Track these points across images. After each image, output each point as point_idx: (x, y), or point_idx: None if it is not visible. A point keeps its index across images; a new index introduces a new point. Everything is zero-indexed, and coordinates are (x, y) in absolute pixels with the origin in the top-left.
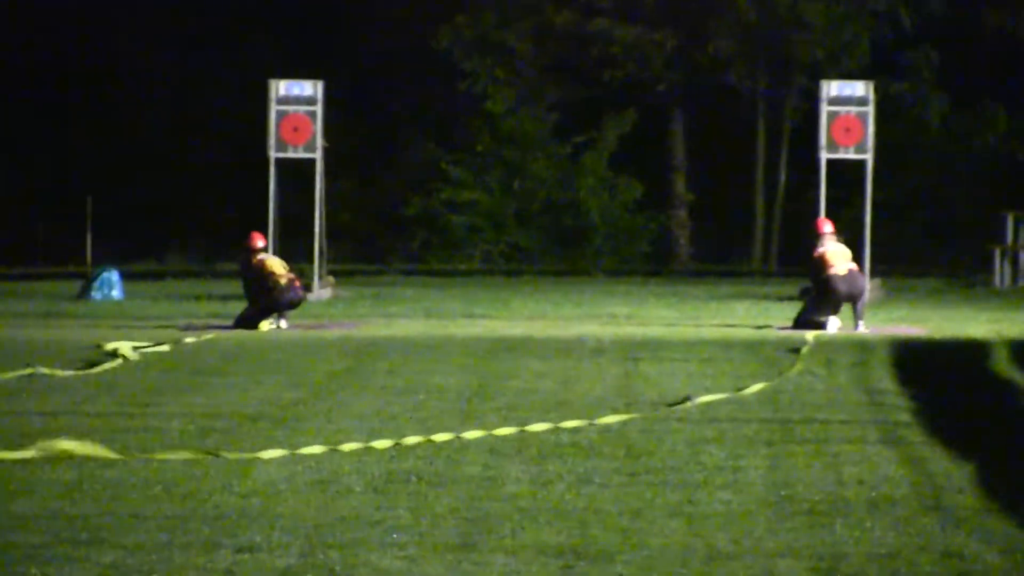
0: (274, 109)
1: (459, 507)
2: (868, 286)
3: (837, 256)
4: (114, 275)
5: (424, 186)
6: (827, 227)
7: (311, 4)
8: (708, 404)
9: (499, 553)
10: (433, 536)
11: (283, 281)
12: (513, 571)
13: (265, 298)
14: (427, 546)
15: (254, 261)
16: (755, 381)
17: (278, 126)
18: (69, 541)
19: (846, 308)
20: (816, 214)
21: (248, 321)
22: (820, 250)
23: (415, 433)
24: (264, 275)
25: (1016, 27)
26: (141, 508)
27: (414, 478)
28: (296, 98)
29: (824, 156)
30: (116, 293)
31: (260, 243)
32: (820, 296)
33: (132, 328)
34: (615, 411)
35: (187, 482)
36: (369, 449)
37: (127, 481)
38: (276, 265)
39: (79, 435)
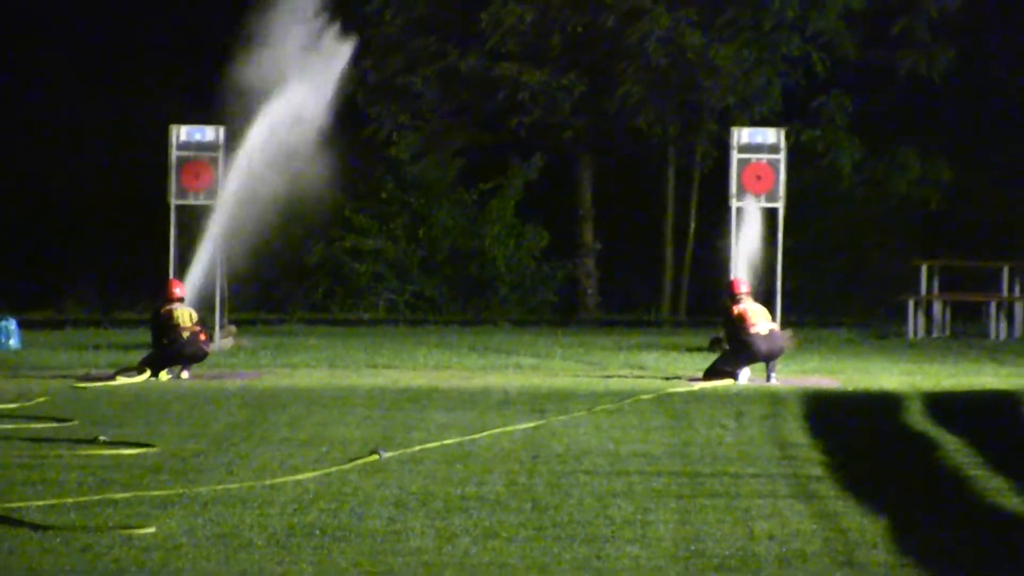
0: (174, 155)
1: (363, 562)
2: (786, 345)
3: (757, 315)
4: (11, 324)
5: (327, 234)
6: (743, 287)
7: (211, 46)
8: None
9: None
10: None
11: (185, 334)
12: None
13: (168, 348)
14: None
15: (164, 310)
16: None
17: (179, 172)
18: None
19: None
20: (726, 263)
21: (151, 368)
22: (739, 308)
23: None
24: (169, 326)
25: (930, 71)
26: (38, 562)
27: (317, 532)
28: (197, 144)
29: (734, 204)
30: (13, 342)
31: (178, 291)
32: (738, 353)
33: (29, 378)
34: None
35: (84, 535)
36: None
37: (21, 534)
38: (183, 317)
39: None
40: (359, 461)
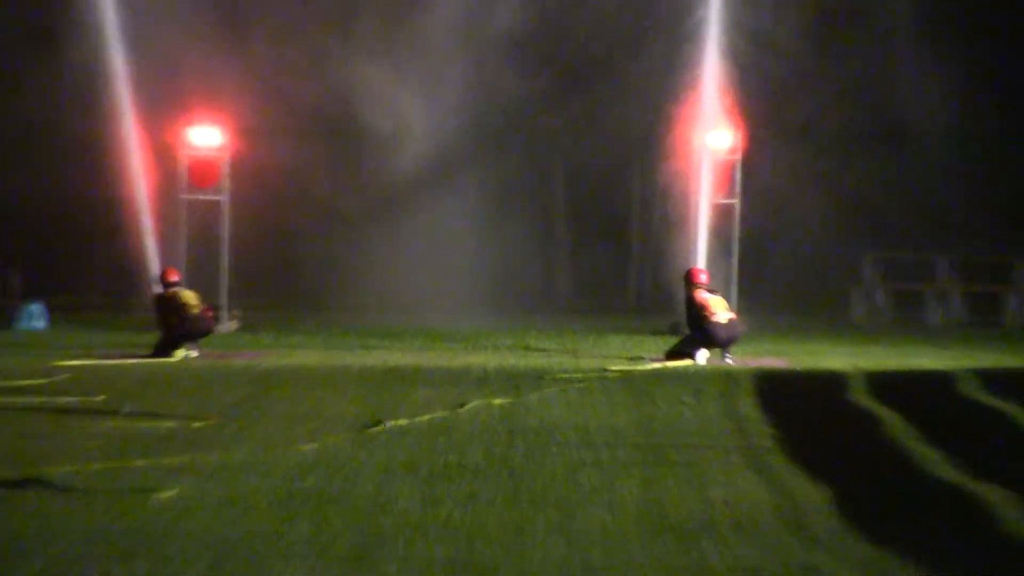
0: (185, 153)
1: (355, 523)
2: (742, 332)
3: (718, 304)
4: (38, 306)
5: (324, 224)
6: (702, 276)
7: (222, 51)
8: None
9: (392, 564)
10: (331, 550)
11: (195, 311)
12: None
13: (178, 326)
14: (326, 558)
15: (167, 294)
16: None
17: (188, 169)
18: None
19: None
20: (686, 254)
21: (165, 348)
22: (702, 296)
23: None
24: (178, 305)
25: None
26: (63, 522)
27: (314, 496)
28: (206, 143)
29: (698, 200)
30: (39, 323)
31: (174, 277)
32: (699, 338)
33: (54, 356)
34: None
35: (105, 497)
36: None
37: (47, 496)
38: (189, 296)
39: None
40: (373, 430)
